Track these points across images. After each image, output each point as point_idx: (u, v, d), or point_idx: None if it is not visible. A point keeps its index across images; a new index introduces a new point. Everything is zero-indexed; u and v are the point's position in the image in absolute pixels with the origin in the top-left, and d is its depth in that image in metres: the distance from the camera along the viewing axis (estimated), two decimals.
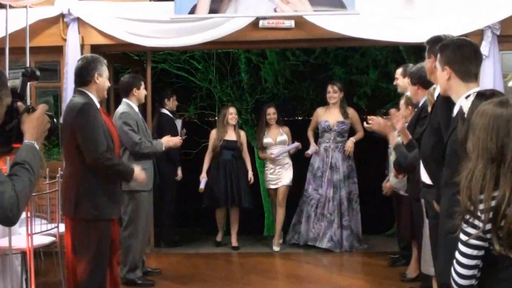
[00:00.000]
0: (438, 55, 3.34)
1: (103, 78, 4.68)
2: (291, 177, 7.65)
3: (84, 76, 4.64)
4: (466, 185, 2.29)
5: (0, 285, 5.34)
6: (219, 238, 7.92)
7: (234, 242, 7.69)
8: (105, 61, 4.79)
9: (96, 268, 4.48)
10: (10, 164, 2.49)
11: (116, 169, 4.68)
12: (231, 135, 7.70)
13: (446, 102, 3.49)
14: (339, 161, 7.47)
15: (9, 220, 2.35)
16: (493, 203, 2.21)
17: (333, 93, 7.57)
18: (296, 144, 7.66)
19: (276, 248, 7.56)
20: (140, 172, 4.94)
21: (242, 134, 7.90)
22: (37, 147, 2.52)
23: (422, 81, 4.79)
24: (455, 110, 3.25)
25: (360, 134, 7.54)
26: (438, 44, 3.56)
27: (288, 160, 7.71)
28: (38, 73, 2.85)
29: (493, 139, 2.25)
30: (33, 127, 2.54)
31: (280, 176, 7.64)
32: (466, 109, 2.64)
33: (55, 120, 2.70)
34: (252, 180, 7.81)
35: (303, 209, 7.58)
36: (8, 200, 2.30)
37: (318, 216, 7.42)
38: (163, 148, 6.16)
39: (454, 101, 3.30)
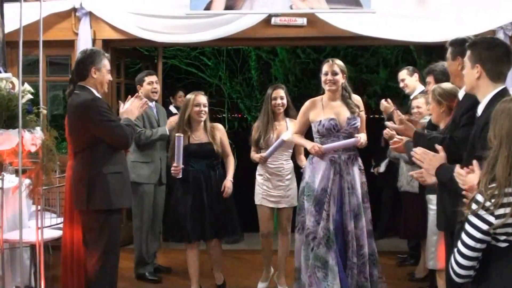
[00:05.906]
0: (468, 52, 3.21)
1: (101, 72, 4.57)
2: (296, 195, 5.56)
3: (81, 70, 4.59)
4: (489, 171, 2.27)
5: (9, 278, 5.37)
6: None
7: (219, 278, 5.78)
8: (105, 54, 4.70)
9: (108, 261, 4.50)
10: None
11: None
12: (201, 136, 5.46)
13: (471, 100, 3.38)
14: (356, 178, 5.07)
15: None
16: None
17: (332, 75, 5.06)
18: (281, 139, 5.42)
19: None
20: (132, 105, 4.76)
21: (219, 130, 5.56)
22: None
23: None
24: (480, 110, 3.17)
25: (364, 138, 5.11)
26: (465, 45, 3.41)
27: (292, 172, 5.73)
28: None
29: None
30: None
31: (284, 194, 5.66)
32: None
33: None
34: (228, 191, 5.37)
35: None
36: None
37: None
38: (167, 132, 6.06)
39: (479, 101, 3.20)
